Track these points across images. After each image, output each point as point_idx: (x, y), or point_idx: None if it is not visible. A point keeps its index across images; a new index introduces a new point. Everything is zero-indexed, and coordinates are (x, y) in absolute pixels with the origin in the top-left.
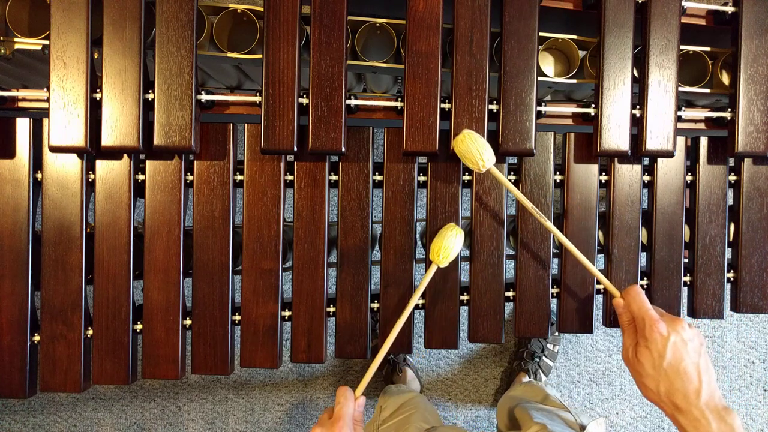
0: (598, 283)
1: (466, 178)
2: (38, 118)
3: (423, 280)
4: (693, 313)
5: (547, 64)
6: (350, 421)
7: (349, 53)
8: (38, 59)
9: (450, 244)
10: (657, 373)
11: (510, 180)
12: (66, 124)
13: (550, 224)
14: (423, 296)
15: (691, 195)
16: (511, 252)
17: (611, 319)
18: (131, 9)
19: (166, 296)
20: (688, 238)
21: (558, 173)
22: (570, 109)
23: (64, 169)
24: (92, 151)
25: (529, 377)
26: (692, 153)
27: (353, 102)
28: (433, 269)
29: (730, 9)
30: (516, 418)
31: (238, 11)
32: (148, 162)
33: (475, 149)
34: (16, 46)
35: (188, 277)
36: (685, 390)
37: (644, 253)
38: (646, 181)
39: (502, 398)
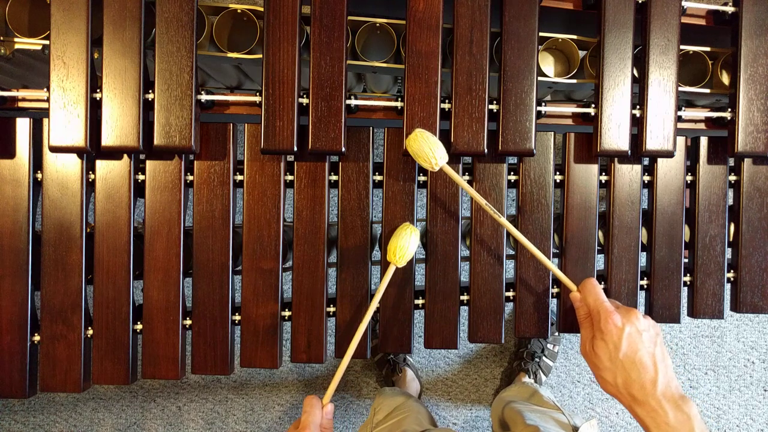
0: (599, 282)
1: (466, 178)
2: (38, 118)
3: (382, 281)
4: (693, 313)
5: (547, 64)
6: (317, 429)
7: (349, 53)
8: (38, 59)
9: (406, 244)
10: (614, 364)
11: (510, 180)
12: (66, 124)
13: (504, 220)
14: (423, 296)
15: (691, 195)
16: (511, 252)
17: None
18: (131, 9)
19: (166, 296)
20: (688, 238)
21: (558, 173)
22: (570, 109)
23: (64, 169)
24: (92, 151)
25: (529, 377)
26: (692, 153)
27: (353, 102)
28: (391, 270)
29: (730, 9)
30: (509, 419)
31: (238, 11)
32: (148, 162)
33: (427, 148)
34: (16, 46)
35: (188, 277)
36: (641, 380)
37: (644, 253)
38: (646, 181)
39: (495, 399)
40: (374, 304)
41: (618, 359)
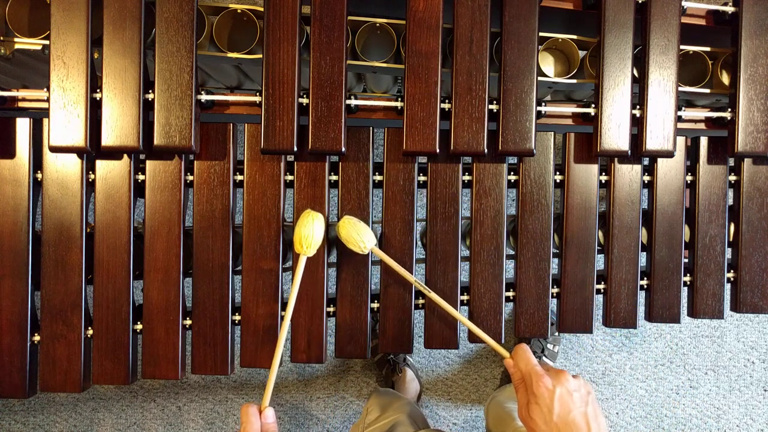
0: (598, 282)
1: (466, 178)
2: (38, 118)
3: (295, 274)
4: (693, 313)
5: (547, 64)
6: None
7: (349, 53)
8: (38, 59)
9: (309, 232)
10: (549, 427)
11: (510, 180)
12: (66, 124)
13: (435, 296)
14: (423, 296)
15: (691, 195)
16: (511, 252)
17: (611, 319)
18: (131, 9)
19: (166, 296)
20: (688, 238)
21: (558, 173)
22: (570, 109)
23: (64, 169)
24: (92, 151)
25: None
26: (692, 153)
27: (353, 102)
28: (302, 261)
29: (730, 9)
30: (500, 419)
31: (238, 11)
32: (148, 162)
33: (355, 233)
34: (16, 46)
35: (188, 277)
36: None
37: (644, 253)
38: (646, 181)
39: (489, 400)
40: (292, 301)
41: (552, 421)
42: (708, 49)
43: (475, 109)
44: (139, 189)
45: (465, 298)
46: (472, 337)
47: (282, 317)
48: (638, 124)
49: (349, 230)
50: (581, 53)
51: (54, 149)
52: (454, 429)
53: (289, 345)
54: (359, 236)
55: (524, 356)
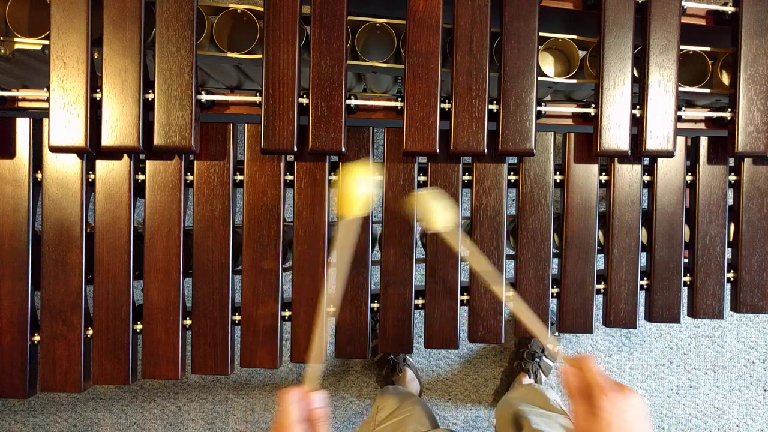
0: (598, 282)
1: (466, 178)
2: (38, 118)
3: (343, 238)
4: (693, 313)
5: (547, 64)
6: (294, 427)
7: (349, 53)
8: (38, 59)
9: (358, 191)
10: None
11: (510, 180)
12: (66, 124)
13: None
14: (423, 296)
15: (691, 195)
16: (511, 252)
17: (611, 319)
18: (131, 9)
19: (166, 296)
20: (688, 238)
21: (558, 173)
22: (570, 109)
23: (64, 169)
24: (92, 151)
25: (530, 377)
26: (692, 153)
27: (353, 102)
28: (351, 222)
29: (730, 9)
30: (514, 421)
31: (238, 11)
32: (148, 162)
33: (434, 207)
34: (16, 46)
35: (188, 277)
36: None
37: (644, 253)
38: (646, 181)
39: (501, 400)
40: (342, 276)
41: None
42: (708, 49)
43: (475, 109)
44: (139, 189)
45: (465, 298)
46: (472, 337)
47: (282, 317)
48: (638, 124)
49: (429, 203)
50: (581, 53)
51: (54, 149)
52: (455, 429)
53: (289, 345)
54: (437, 212)
55: (595, 367)
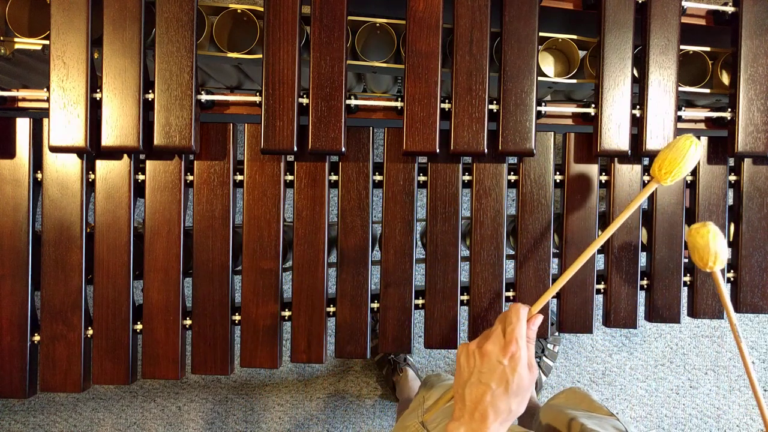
0: (598, 282)
1: (466, 178)
2: (38, 118)
3: (637, 197)
4: (693, 313)
5: (547, 64)
6: (524, 343)
7: (349, 53)
8: (38, 59)
9: (679, 157)
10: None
11: (510, 180)
12: (66, 124)
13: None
14: (423, 296)
15: (691, 195)
16: (511, 252)
17: (611, 319)
18: (131, 9)
19: (166, 296)
20: None
21: (558, 173)
22: (570, 109)
23: (64, 169)
24: (92, 151)
25: None
26: None
27: (353, 102)
28: (651, 188)
29: (730, 9)
30: (562, 427)
31: (238, 11)
32: (148, 162)
33: (714, 246)
34: (16, 46)
35: (188, 277)
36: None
37: (644, 253)
38: (646, 181)
39: (544, 406)
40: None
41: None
42: (708, 49)
43: (475, 109)
44: (139, 189)
45: (465, 298)
46: (473, 337)
47: (282, 317)
48: (638, 124)
49: (708, 241)
50: (581, 53)
51: (54, 149)
52: None
53: (289, 345)
54: (716, 252)
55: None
